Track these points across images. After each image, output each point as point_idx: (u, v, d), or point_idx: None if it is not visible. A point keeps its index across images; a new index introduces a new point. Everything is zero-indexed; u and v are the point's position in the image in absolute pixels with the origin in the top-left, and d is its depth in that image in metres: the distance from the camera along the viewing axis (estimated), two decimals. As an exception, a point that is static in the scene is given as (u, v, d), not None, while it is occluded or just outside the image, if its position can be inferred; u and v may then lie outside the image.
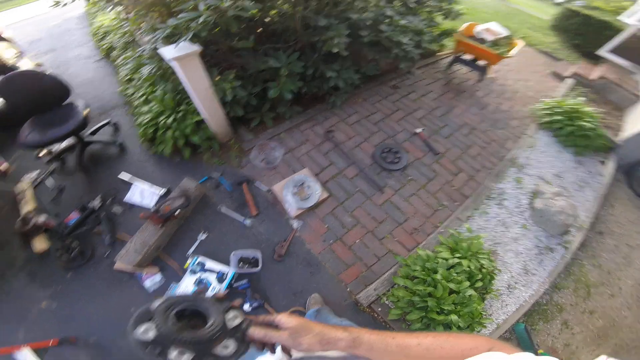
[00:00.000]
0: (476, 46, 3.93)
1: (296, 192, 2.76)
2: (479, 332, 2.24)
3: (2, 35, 4.39)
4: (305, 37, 2.98)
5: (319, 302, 2.30)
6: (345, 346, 0.66)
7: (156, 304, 0.63)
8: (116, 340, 2.15)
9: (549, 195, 3.10)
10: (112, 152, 3.32)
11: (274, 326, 0.69)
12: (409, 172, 3.15)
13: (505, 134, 3.74)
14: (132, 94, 3.39)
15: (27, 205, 2.73)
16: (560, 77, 4.96)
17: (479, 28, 4.11)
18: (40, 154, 3.21)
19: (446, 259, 2.31)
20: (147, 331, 0.58)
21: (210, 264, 2.37)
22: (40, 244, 2.51)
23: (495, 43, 3.99)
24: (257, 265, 2.37)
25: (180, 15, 2.04)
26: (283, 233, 2.63)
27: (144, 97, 3.12)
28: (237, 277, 2.36)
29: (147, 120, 2.88)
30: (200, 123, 2.90)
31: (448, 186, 3.11)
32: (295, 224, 2.66)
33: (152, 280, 2.33)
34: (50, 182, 3.03)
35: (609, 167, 3.73)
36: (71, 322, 2.25)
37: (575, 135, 3.67)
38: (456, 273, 2.23)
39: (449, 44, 4.80)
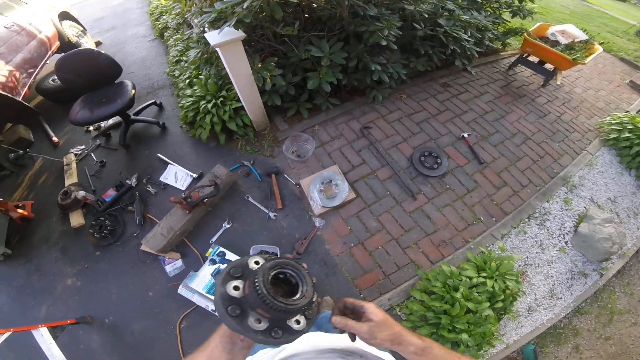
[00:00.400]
0: (547, 48, 3.56)
1: (322, 189, 2.73)
2: (486, 351, 2.23)
3: (70, 13, 4.64)
4: (351, 27, 2.85)
5: (330, 306, 2.30)
6: (412, 352, 0.66)
7: (253, 261, 0.61)
8: (130, 324, 2.29)
9: (598, 220, 2.84)
10: (154, 132, 3.48)
11: (360, 312, 0.71)
12: (448, 180, 2.99)
13: (562, 148, 3.41)
14: (179, 75, 3.52)
15: (71, 178, 2.97)
16: (638, 89, 4.41)
17: (554, 29, 3.73)
18: (90, 129, 3.46)
19: (470, 278, 2.22)
20: (237, 288, 0.56)
21: (230, 254, 2.44)
22: (77, 218, 2.71)
23: (570, 47, 3.61)
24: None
25: (225, 0, 2.04)
26: (305, 230, 2.64)
27: (189, 80, 3.22)
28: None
29: (189, 103, 2.97)
30: (239, 110, 2.95)
31: (488, 200, 2.91)
32: (317, 222, 2.66)
33: (173, 265, 2.45)
34: (94, 156, 3.25)
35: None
36: (92, 301, 2.41)
37: (645, 157, 3.28)
38: (477, 293, 2.14)
39: (514, 43, 4.41)
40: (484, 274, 2.24)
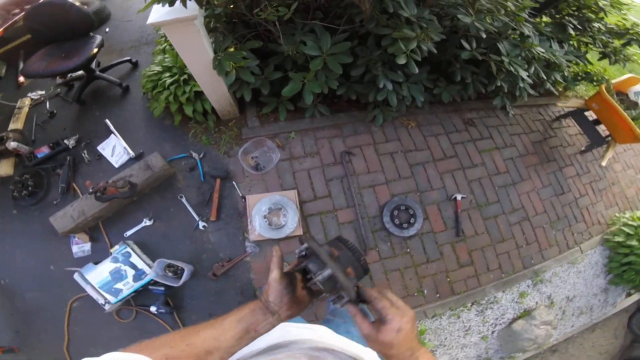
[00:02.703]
0: (618, 110, 2.76)
1: (267, 214, 2.43)
2: None
3: None
4: (372, 24, 2.08)
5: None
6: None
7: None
8: (25, 290, 2.35)
9: (537, 322, 2.74)
10: (114, 93, 3.17)
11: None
12: (412, 243, 2.67)
13: (556, 238, 3.02)
14: (163, 35, 2.94)
15: (16, 123, 2.86)
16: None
17: (641, 88, 2.91)
18: (56, 75, 3.13)
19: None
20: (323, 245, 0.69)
21: (135, 258, 2.26)
22: (5, 168, 2.59)
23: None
24: (180, 280, 2.20)
25: None
26: (232, 251, 2.44)
27: (166, 45, 2.71)
28: (155, 282, 2.24)
29: (152, 73, 2.50)
30: (201, 94, 2.44)
31: (443, 275, 2.67)
32: (250, 247, 2.45)
33: (80, 247, 2.36)
34: (48, 105, 3.10)
35: (629, 301, 3.34)
36: (-4, 259, 2.39)
37: (632, 268, 2.98)
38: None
39: (581, 90, 3.51)
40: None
